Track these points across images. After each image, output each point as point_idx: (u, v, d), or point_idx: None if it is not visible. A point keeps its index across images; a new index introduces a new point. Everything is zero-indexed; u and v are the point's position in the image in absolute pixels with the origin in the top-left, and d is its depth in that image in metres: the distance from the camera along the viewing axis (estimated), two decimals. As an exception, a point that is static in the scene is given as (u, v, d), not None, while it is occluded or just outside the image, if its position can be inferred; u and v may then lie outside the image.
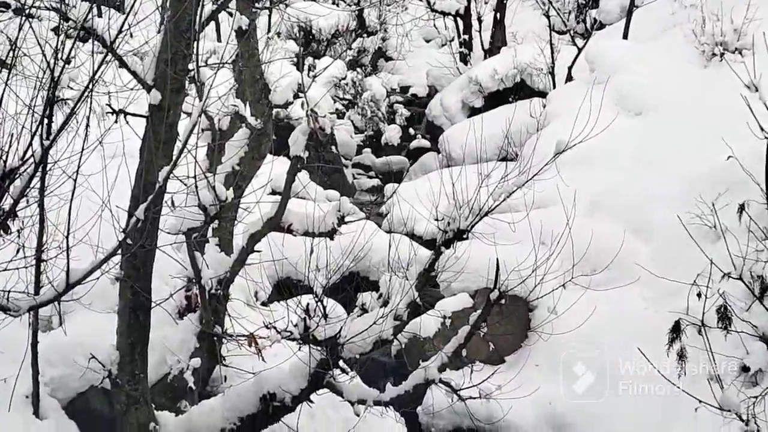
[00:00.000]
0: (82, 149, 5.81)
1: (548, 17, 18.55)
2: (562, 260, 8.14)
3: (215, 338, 8.17)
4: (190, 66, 6.77)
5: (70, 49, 5.80)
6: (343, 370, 6.86)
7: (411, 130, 20.64)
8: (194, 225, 7.41)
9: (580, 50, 16.66)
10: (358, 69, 21.47)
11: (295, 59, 17.50)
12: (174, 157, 6.18)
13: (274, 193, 9.84)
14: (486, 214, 7.08)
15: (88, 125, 6.20)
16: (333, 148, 17.38)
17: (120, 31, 6.29)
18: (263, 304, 10.73)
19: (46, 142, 5.40)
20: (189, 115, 6.47)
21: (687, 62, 14.41)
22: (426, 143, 19.45)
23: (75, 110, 5.59)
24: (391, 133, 20.61)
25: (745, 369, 8.15)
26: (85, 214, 6.22)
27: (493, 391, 7.31)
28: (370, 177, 19.40)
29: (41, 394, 8.10)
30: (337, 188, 15.58)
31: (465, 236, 7.28)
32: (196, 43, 6.67)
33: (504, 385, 7.79)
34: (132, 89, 6.97)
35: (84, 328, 8.58)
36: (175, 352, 8.02)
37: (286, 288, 10.50)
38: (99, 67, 5.64)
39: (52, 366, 8.40)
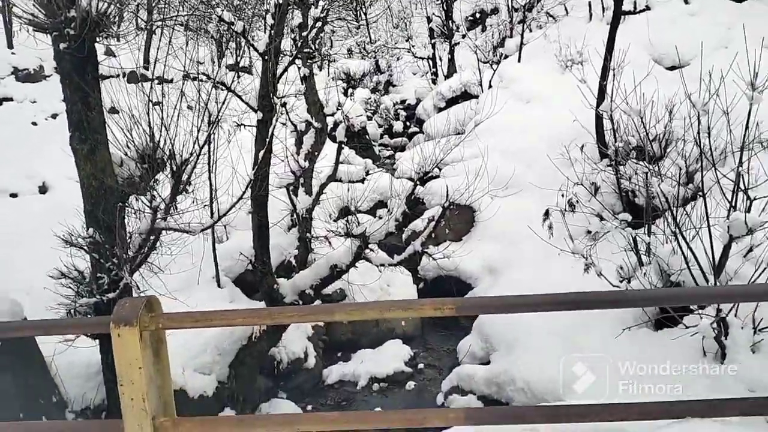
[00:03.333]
0: (224, 142, 5.84)
1: (476, 54, 18.14)
2: (486, 183, 8.09)
3: (307, 239, 8.22)
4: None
5: (208, 97, 5.78)
6: (371, 249, 6.87)
7: (408, 123, 20.36)
8: (289, 181, 7.45)
9: (494, 71, 16.29)
10: (377, 92, 21.15)
11: (343, 89, 17.38)
12: (271, 148, 6.20)
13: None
14: (439, 162, 7.00)
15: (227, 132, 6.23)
16: (366, 136, 17.26)
17: (238, 82, 6.26)
18: (334, 220, 10.64)
19: (199, 146, 5.42)
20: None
21: (552, 71, 13.99)
22: (416, 129, 19.17)
23: (218, 122, 5.58)
24: (397, 126, 20.39)
25: (588, 232, 8.07)
26: (226, 178, 6.25)
27: (450, 255, 7.28)
28: (387, 149, 19.24)
29: (220, 275, 8.28)
30: (370, 157, 15.51)
31: (429, 175, 7.18)
32: (278, 84, 6.63)
33: (455, 252, 7.78)
34: (246, 112, 6.96)
35: (238, 239, 8.45)
36: (287, 248, 8.13)
37: (346, 210, 10.54)
38: (223, 104, 5.61)
39: (223, 260, 8.33)
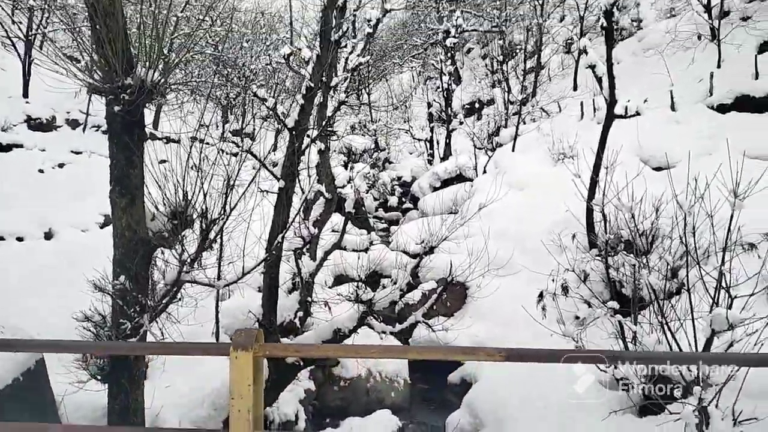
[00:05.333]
0: (248, 208, 6.21)
1: (473, 140, 19.02)
2: (484, 263, 8.49)
3: (308, 302, 8.41)
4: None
5: (240, 165, 6.19)
6: (374, 317, 7.11)
7: (403, 199, 20.94)
8: (297, 246, 7.81)
9: (490, 157, 17.08)
10: (376, 168, 21.83)
11: (344, 162, 18.04)
12: (289, 214, 6.60)
13: (334, 231, 10.17)
14: (444, 239, 7.40)
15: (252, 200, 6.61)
16: (363, 208, 17.78)
17: (267, 154, 6.72)
18: (330, 287, 10.87)
19: (230, 207, 5.79)
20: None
21: (545, 162, 14.75)
22: (411, 206, 19.76)
23: (245, 193, 5.97)
24: (392, 200, 20.99)
25: (576, 317, 8.41)
26: (251, 241, 6.58)
27: (448, 328, 7.61)
28: (382, 222, 19.68)
29: (219, 332, 8.46)
30: (366, 229, 15.93)
31: (433, 251, 7.58)
32: (300, 158, 7.12)
33: (453, 325, 8.11)
34: (270, 180, 7.38)
35: (237, 299, 8.71)
36: (289, 310, 8.29)
37: (340, 278, 10.84)
38: (256, 173, 6.02)
39: (224, 317, 8.59)
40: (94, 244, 9.55)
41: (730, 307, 6.28)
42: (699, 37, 17.22)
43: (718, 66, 15.83)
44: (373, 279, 9.79)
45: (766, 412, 5.89)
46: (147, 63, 5.19)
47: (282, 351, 3.04)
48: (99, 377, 5.38)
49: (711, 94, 14.97)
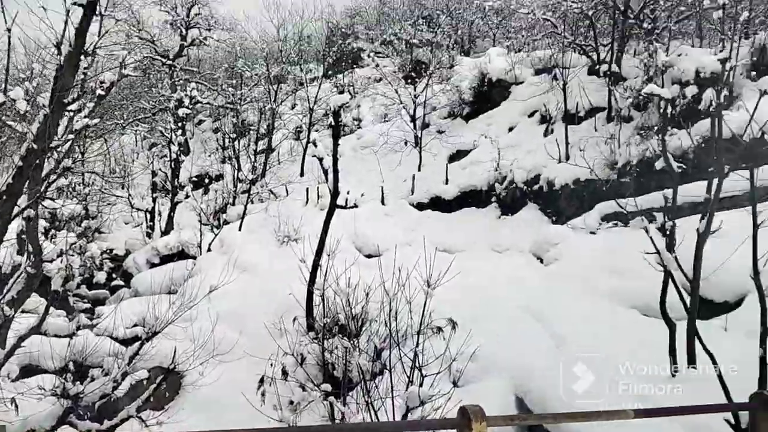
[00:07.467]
0: None
1: (199, 215, 18.75)
2: (208, 349, 8.29)
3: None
4: None
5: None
6: (80, 414, 6.33)
7: (113, 275, 19.10)
8: None
9: (216, 235, 16.95)
10: (84, 238, 19.59)
11: (44, 229, 15.96)
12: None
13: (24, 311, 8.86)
14: (171, 323, 7.11)
15: None
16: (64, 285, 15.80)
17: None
18: (13, 380, 9.20)
19: None
20: None
21: (271, 244, 15.23)
22: (122, 283, 18.16)
23: None
24: (100, 276, 18.98)
25: (291, 402, 8.64)
26: None
27: (163, 422, 7.15)
28: (84, 302, 17.43)
29: None
30: (64, 309, 14.04)
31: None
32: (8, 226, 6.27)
33: (170, 418, 7.61)
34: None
35: None
36: None
37: (28, 369, 9.41)
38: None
39: None
40: None
41: (421, 384, 7.34)
42: (405, 143, 20.26)
43: (419, 169, 18.82)
44: (79, 369, 8.79)
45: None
46: None
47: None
48: None
49: (412, 193, 17.74)
